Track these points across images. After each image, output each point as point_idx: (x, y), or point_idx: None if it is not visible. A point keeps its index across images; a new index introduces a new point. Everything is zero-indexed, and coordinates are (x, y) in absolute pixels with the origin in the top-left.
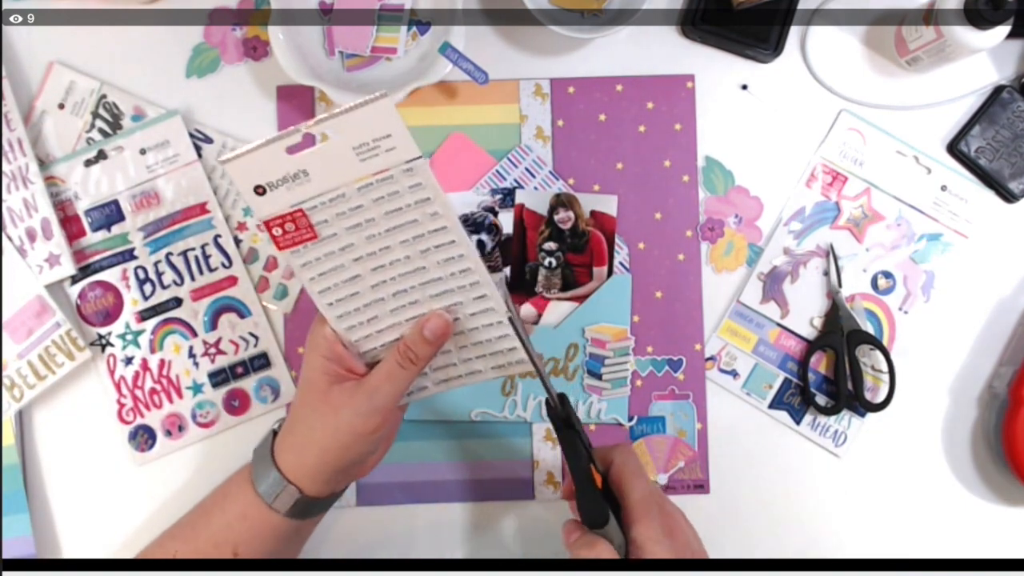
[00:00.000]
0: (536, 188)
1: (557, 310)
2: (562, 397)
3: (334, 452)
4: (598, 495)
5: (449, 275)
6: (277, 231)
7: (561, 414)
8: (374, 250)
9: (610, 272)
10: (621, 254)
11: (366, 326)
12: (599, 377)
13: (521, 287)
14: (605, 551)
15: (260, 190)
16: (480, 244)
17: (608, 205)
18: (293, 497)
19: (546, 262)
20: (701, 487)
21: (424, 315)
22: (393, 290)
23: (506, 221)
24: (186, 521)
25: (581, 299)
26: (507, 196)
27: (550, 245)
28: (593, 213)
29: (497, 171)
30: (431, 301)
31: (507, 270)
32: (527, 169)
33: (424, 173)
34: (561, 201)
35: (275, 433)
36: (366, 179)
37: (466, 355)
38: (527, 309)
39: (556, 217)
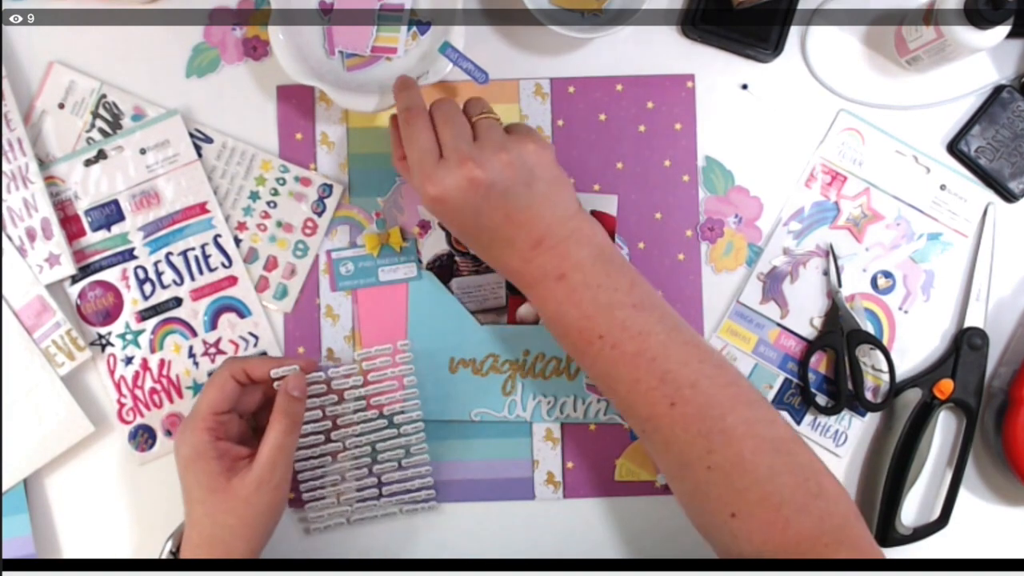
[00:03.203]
0: None
1: None
2: None
3: (257, 537)
4: None
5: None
6: None
7: None
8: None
9: None
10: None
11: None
12: None
13: None
14: None
15: None
16: None
17: (608, 205)
18: None
19: None
20: None
21: None
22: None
23: None
24: None
25: None
26: None
27: None
28: (593, 213)
29: None
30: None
31: None
32: None
33: None
34: None
35: (174, 554)
36: None
37: (389, 490)
38: (527, 309)
39: None
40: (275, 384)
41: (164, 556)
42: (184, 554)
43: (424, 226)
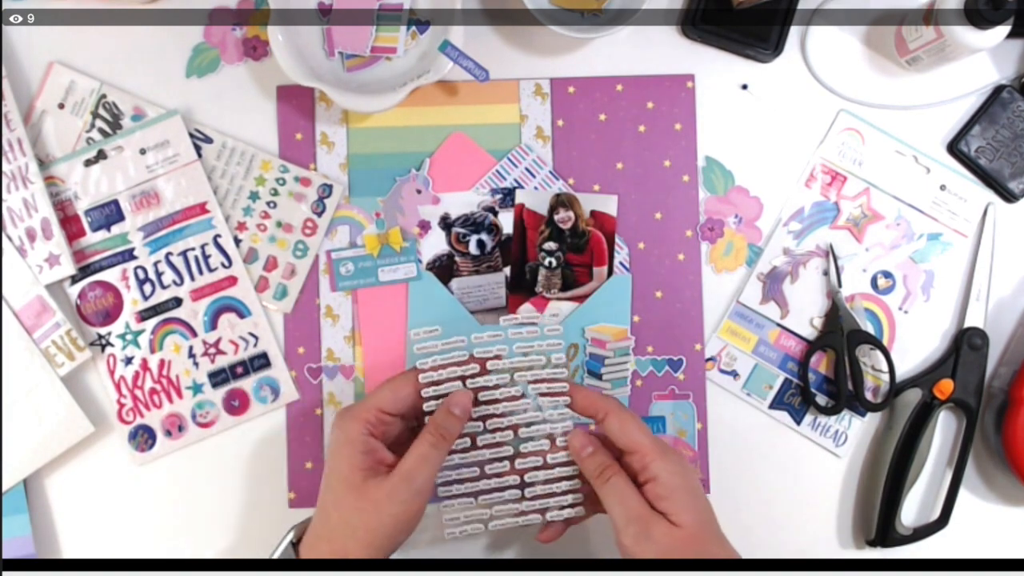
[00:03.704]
0: (536, 188)
1: (557, 310)
2: None
3: (378, 547)
4: None
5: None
6: None
7: None
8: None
9: (610, 272)
10: (621, 254)
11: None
12: (599, 377)
13: (521, 287)
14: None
15: None
16: (480, 244)
17: (608, 205)
18: None
19: (546, 262)
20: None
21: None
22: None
23: (506, 221)
24: None
25: (581, 299)
26: (507, 196)
27: (550, 245)
28: (593, 213)
29: (497, 171)
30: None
31: (507, 270)
32: (527, 169)
33: None
34: (561, 201)
35: (294, 544)
36: None
37: (532, 491)
38: (527, 309)
39: (556, 217)
40: (420, 377)
41: (283, 545)
42: (305, 541)
43: (424, 226)
